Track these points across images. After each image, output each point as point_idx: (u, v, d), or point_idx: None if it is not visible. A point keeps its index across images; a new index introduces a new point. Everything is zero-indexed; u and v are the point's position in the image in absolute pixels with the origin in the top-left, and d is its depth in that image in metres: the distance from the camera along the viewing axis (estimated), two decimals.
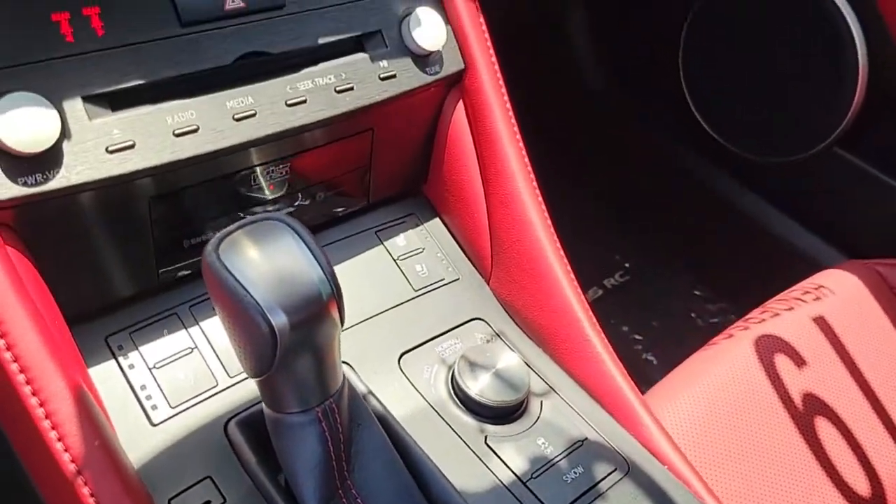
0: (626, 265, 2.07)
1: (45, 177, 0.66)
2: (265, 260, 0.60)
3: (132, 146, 0.70)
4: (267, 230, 0.63)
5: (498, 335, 0.94)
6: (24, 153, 0.64)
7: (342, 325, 0.65)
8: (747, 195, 1.90)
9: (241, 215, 0.84)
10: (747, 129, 1.83)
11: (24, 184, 0.65)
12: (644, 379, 1.82)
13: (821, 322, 1.30)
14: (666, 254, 2.05)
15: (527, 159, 0.94)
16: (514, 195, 0.92)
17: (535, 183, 0.94)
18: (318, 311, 0.61)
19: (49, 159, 0.66)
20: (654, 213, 2.10)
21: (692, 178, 1.97)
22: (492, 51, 0.94)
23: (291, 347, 0.60)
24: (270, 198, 0.86)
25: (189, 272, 0.84)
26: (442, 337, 0.91)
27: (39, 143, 0.64)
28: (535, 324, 0.93)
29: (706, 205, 1.97)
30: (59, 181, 0.66)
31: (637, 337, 1.87)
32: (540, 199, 0.93)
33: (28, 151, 0.64)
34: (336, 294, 0.62)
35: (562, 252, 0.92)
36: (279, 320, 0.58)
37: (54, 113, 0.65)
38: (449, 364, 0.88)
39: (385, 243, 0.97)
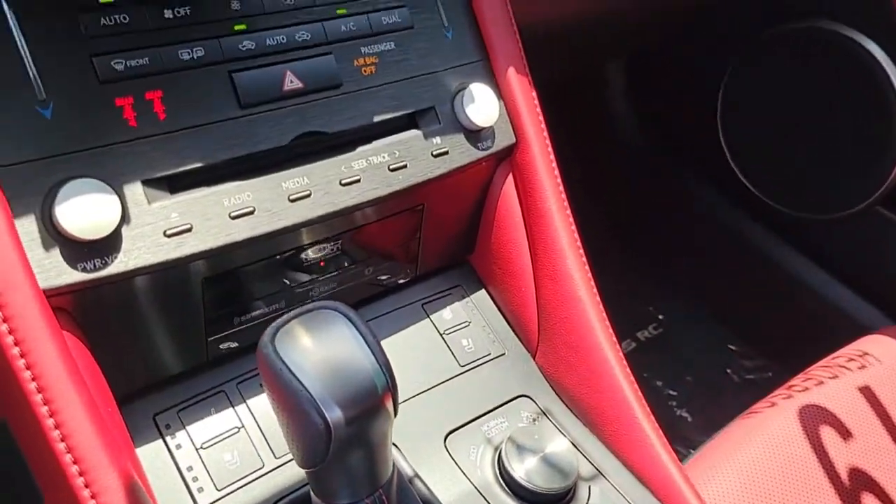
0: (660, 317, 2.04)
1: (103, 262, 0.66)
2: (320, 352, 0.59)
3: (189, 229, 0.69)
4: (322, 320, 0.62)
5: (544, 413, 0.92)
6: (84, 240, 0.64)
7: (395, 415, 0.64)
8: (786, 251, 1.87)
9: (292, 287, 0.84)
10: (787, 185, 1.80)
11: (83, 269, 0.65)
12: (678, 436, 1.80)
13: (867, 392, 1.27)
14: (700, 307, 2.02)
15: (577, 234, 0.93)
16: (564, 272, 0.91)
17: (584, 259, 0.93)
18: (373, 405, 0.60)
19: (108, 244, 0.66)
20: (688, 265, 2.08)
21: (729, 231, 1.95)
22: (543, 125, 0.94)
23: (345, 442, 0.59)
24: (320, 273, 0.85)
25: (236, 345, 0.84)
26: (488, 415, 0.90)
27: (100, 229, 0.64)
28: (583, 403, 0.91)
29: (743, 259, 1.94)
30: (117, 266, 0.66)
31: (671, 392, 1.84)
32: (590, 275, 0.92)
33: (89, 238, 0.64)
34: (391, 386, 0.61)
35: (611, 331, 0.91)
36: (334, 415, 0.57)
37: (115, 199, 0.65)
38: (495, 445, 0.86)
39: (431, 317, 0.96)
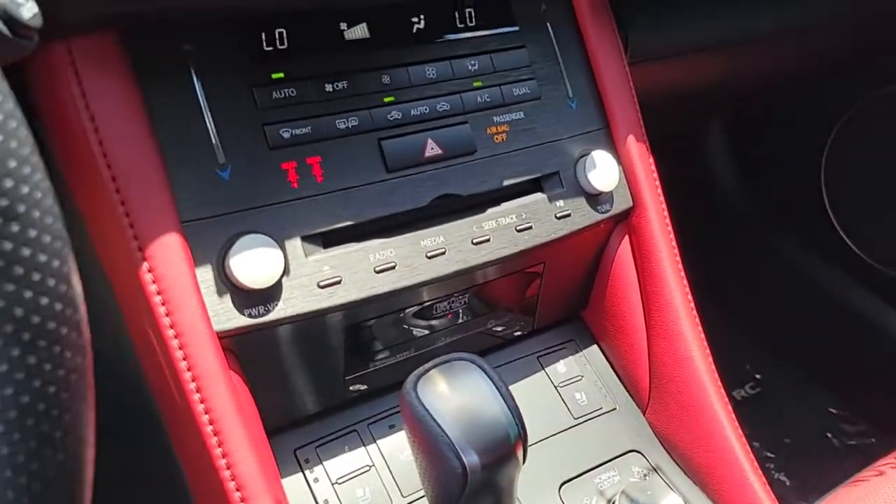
0: (757, 376, 2.01)
1: (266, 309, 0.73)
2: (459, 400, 0.65)
3: (339, 282, 0.77)
4: (459, 370, 0.68)
5: (655, 470, 0.94)
6: (252, 289, 0.72)
7: (523, 463, 0.68)
8: (890, 314, 1.83)
9: (420, 336, 0.90)
10: (892, 246, 1.78)
11: (249, 315, 0.72)
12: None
13: None
14: (799, 368, 1.98)
15: (690, 296, 0.96)
16: (677, 332, 0.94)
17: (697, 319, 0.96)
18: (506, 452, 0.65)
19: (271, 293, 0.73)
20: (787, 325, 2.05)
21: (830, 292, 1.92)
22: (659, 189, 0.98)
23: (479, 485, 0.64)
24: (447, 323, 0.91)
25: (366, 387, 0.90)
26: (600, 468, 0.93)
27: (266, 280, 0.72)
28: (694, 461, 0.94)
29: (844, 321, 1.91)
30: (277, 313, 0.74)
31: (769, 454, 1.81)
32: (703, 335, 0.95)
33: (256, 287, 0.72)
34: (523, 436, 0.66)
35: (723, 391, 0.93)
36: (471, 460, 0.63)
37: (279, 253, 0.72)
38: (608, 497, 0.89)
39: (546, 369, 1.00)
